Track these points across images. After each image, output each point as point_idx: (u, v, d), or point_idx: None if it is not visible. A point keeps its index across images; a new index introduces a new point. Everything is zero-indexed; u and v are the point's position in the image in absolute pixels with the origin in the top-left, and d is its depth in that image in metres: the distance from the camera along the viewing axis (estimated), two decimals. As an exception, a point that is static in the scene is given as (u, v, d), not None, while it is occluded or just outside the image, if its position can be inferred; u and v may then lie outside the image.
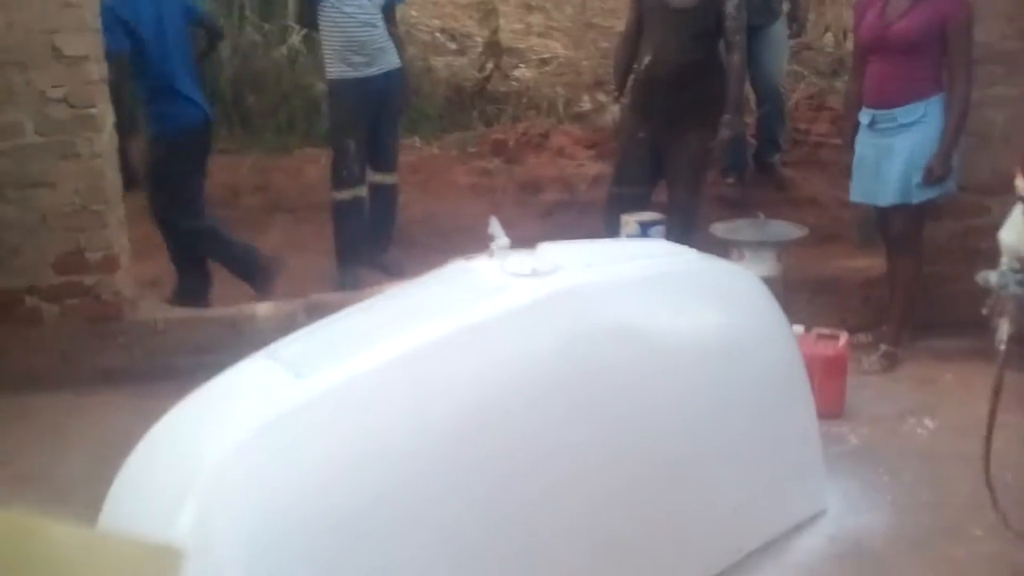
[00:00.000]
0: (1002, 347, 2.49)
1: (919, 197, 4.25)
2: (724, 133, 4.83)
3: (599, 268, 2.68)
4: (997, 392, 2.52)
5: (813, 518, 3.20)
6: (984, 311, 2.66)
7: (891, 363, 4.40)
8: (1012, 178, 2.45)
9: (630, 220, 4.52)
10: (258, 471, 2.05)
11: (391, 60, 5.19)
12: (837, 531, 3.19)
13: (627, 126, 5.09)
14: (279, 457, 2.06)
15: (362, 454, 2.09)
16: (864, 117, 4.39)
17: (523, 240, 2.96)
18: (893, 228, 4.41)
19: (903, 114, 4.24)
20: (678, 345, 2.68)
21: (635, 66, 4.95)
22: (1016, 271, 2.55)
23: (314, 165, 6.65)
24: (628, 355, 2.53)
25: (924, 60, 4.22)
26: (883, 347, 4.41)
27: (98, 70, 4.30)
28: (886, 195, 4.32)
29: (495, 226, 2.68)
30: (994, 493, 2.58)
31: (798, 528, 3.14)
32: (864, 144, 4.42)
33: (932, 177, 4.20)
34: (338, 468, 2.06)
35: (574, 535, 2.39)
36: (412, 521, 2.10)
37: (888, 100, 4.28)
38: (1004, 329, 2.48)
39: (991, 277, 2.60)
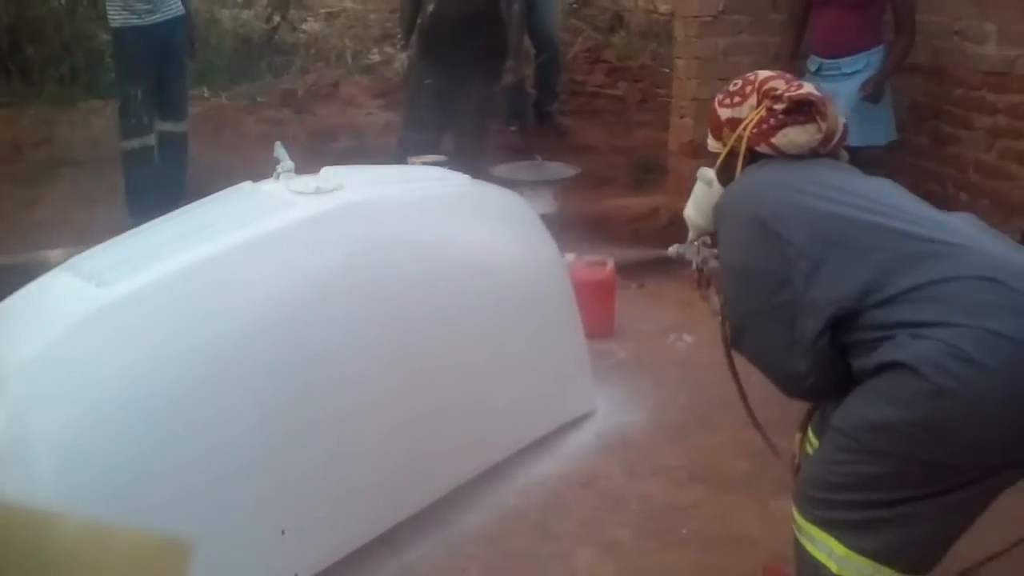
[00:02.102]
0: (719, 317, 2.58)
1: (857, 141, 4.45)
2: (507, 79, 5.15)
3: (378, 187, 2.92)
4: (730, 357, 2.56)
5: (583, 418, 3.59)
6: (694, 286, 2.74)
7: None
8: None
9: (417, 162, 4.77)
10: (65, 371, 2.20)
11: (174, 7, 5.20)
12: (604, 428, 3.59)
13: (414, 74, 5.32)
14: (85, 358, 2.21)
15: (164, 353, 2.27)
16: (812, 64, 4.72)
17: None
18: None
19: (848, 64, 4.60)
20: (452, 257, 2.97)
21: (420, 16, 5.19)
22: (707, 245, 2.66)
23: (100, 117, 6.53)
24: (405, 265, 2.79)
25: (873, 12, 4.59)
26: None
27: None
28: None
29: (280, 150, 2.87)
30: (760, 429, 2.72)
31: (570, 426, 3.52)
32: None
33: (864, 93, 4.55)
34: (141, 366, 2.24)
35: (359, 427, 2.65)
36: (210, 411, 2.30)
37: (836, 50, 4.61)
38: (716, 300, 2.58)
39: (681, 251, 2.73)
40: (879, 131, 4.65)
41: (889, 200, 2.12)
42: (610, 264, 4.43)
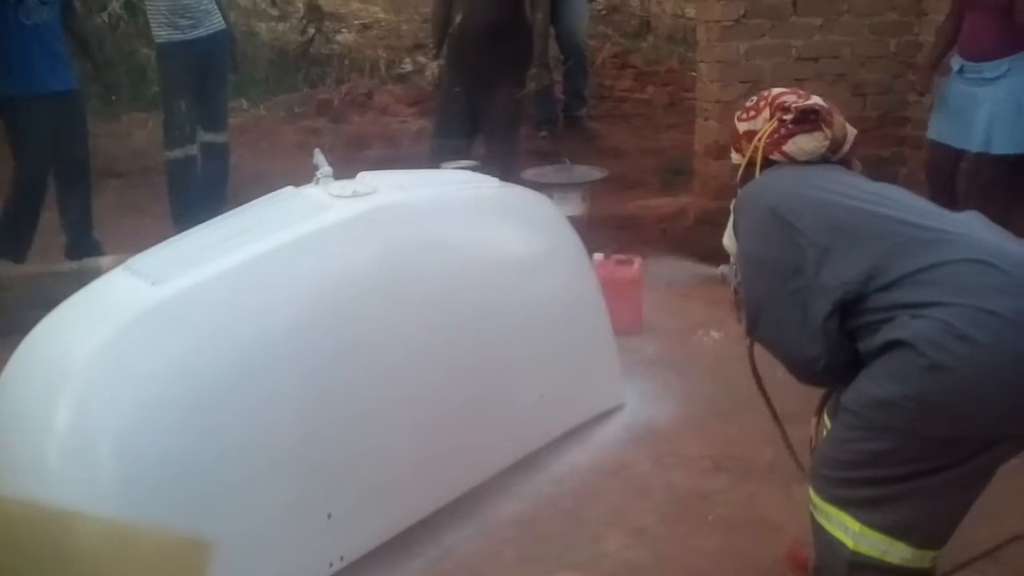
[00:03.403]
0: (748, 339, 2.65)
1: (999, 149, 4.53)
2: (531, 86, 5.31)
3: (411, 190, 3.09)
4: (757, 375, 2.67)
5: (611, 411, 3.72)
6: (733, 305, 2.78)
7: None
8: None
9: (449, 167, 4.93)
10: (123, 363, 2.36)
11: (216, 22, 5.41)
12: (632, 420, 3.72)
13: (445, 81, 5.50)
14: (142, 350, 2.38)
15: (214, 346, 2.43)
16: (955, 63, 4.65)
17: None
18: (982, 175, 4.60)
19: (990, 68, 4.49)
20: (481, 255, 3.13)
21: (450, 25, 5.37)
22: None
23: (142, 130, 6.78)
24: (437, 263, 2.94)
25: (1018, 18, 4.38)
26: None
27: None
28: (971, 141, 4.58)
29: (319, 157, 3.05)
30: (791, 448, 2.76)
31: (600, 419, 3.66)
32: (951, 88, 4.68)
33: None
34: (194, 358, 2.40)
35: (398, 417, 2.79)
36: (259, 399, 2.46)
37: (978, 53, 4.52)
38: None
39: (727, 272, 2.85)
40: None
41: (894, 196, 2.27)
42: (637, 263, 4.55)
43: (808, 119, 2.38)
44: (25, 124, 4.80)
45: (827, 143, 2.39)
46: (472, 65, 5.26)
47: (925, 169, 4.98)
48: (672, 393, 3.95)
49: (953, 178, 4.76)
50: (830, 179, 2.32)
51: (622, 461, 3.45)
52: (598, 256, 4.49)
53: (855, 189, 2.27)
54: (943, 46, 4.79)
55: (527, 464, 3.31)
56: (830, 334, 2.11)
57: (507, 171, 5.25)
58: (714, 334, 4.52)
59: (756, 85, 5.26)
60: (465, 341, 2.99)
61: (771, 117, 2.43)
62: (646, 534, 3.05)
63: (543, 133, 6.74)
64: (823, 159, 2.41)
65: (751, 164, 2.47)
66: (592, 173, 5.25)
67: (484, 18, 5.20)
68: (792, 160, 2.40)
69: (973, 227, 2.15)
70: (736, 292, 2.77)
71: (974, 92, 4.57)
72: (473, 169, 4.86)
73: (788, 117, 2.39)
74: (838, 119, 2.41)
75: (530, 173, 5.19)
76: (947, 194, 4.75)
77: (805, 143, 2.38)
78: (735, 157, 2.57)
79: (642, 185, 6.33)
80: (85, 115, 5.17)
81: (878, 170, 5.54)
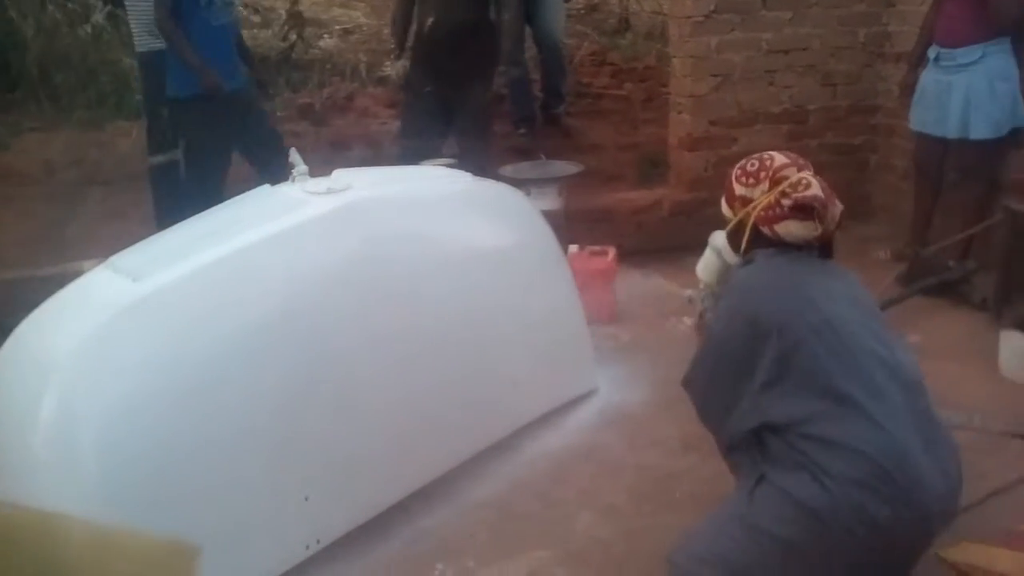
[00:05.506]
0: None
1: (976, 134, 4.60)
2: (499, 82, 5.41)
3: (384, 186, 3.20)
4: None
5: (586, 396, 3.85)
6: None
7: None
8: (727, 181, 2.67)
9: (428, 165, 5.03)
10: (106, 356, 2.47)
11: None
12: (605, 405, 3.85)
13: (413, 82, 5.58)
14: (123, 344, 2.49)
15: (194, 339, 2.55)
16: (931, 52, 4.73)
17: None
18: (960, 160, 4.73)
19: (963, 55, 4.56)
20: (454, 248, 3.25)
21: (418, 26, 5.46)
22: (712, 297, 2.94)
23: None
24: (412, 256, 3.06)
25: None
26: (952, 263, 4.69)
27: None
28: (948, 128, 4.67)
29: (294, 156, 3.16)
30: None
31: (574, 404, 3.78)
32: (927, 77, 4.77)
33: None
34: (174, 351, 2.51)
35: (374, 404, 2.92)
36: (238, 389, 2.58)
37: (952, 40, 4.60)
38: None
39: (695, 296, 3.03)
40: (1004, 121, 4.61)
41: (852, 342, 2.40)
42: (611, 253, 4.67)
43: (804, 209, 2.47)
44: (206, 121, 5.03)
45: (817, 234, 2.50)
46: (442, 66, 5.36)
47: (913, 159, 5.08)
48: (645, 378, 4.07)
49: (941, 166, 4.86)
50: (814, 304, 2.42)
51: (594, 444, 3.57)
52: (573, 248, 4.61)
53: (827, 325, 2.38)
54: (926, 39, 4.86)
55: (501, 448, 3.43)
56: (744, 438, 2.44)
57: (481, 168, 5.36)
58: (687, 320, 4.62)
59: (727, 79, 5.42)
60: (439, 331, 3.11)
61: (769, 190, 2.52)
62: (616, 512, 3.17)
63: (521, 131, 6.82)
64: (808, 244, 2.53)
65: (742, 224, 2.59)
66: (568, 168, 5.36)
67: (451, 19, 5.30)
68: (779, 239, 2.52)
69: (901, 417, 2.34)
70: (701, 317, 3.00)
71: (949, 80, 4.64)
72: (450, 167, 5.00)
73: (786, 203, 2.48)
74: (832, 211, 2.51)
75: (507, 169, 5.29)
76: (934, 181, 4.91)
77: (796, 229, 2.50)
78: (727, 211, 2.66)
79: (620, 179, 6.43)
80: (259, 103, 5.48)
81: (849, 157, 5.75)
